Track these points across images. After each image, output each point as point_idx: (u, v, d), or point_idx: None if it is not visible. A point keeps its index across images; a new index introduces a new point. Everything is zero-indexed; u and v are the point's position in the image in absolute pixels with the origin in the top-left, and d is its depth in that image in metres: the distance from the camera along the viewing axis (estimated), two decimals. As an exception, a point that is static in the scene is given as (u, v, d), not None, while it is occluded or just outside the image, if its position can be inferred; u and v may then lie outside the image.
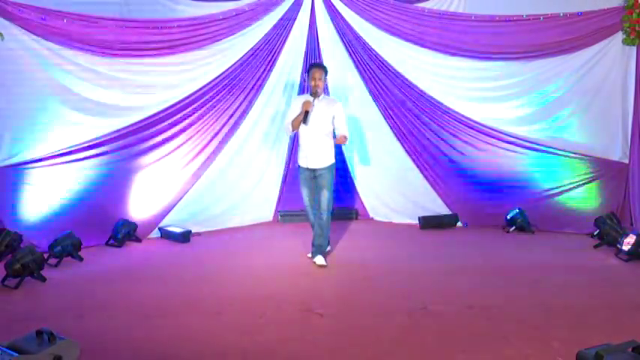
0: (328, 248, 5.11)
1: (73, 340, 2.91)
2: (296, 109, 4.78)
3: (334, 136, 4.83)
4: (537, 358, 3.01)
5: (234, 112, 6.02)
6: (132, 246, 5.52)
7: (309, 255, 4.98)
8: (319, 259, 4.81)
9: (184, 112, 5.76)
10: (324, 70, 4.78)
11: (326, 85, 4.79)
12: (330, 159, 4.79)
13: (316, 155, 4.73)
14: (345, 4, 5.94)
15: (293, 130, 4.79)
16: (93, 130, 5.33)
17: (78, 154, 5.30)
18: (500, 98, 6.03)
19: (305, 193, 4.88)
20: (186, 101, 5.73)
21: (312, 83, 4.68)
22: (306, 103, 4.67)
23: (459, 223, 6.32)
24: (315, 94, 4.70)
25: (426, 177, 6.34)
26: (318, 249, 4.87)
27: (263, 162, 6.37)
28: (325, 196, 4.75)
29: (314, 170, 4.76)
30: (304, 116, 4.65)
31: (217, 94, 5.87)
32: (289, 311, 3.75)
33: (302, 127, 4.73)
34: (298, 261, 4.96)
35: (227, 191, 6.19)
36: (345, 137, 4.74)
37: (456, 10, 6.07)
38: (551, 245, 5.48)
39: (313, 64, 4.97)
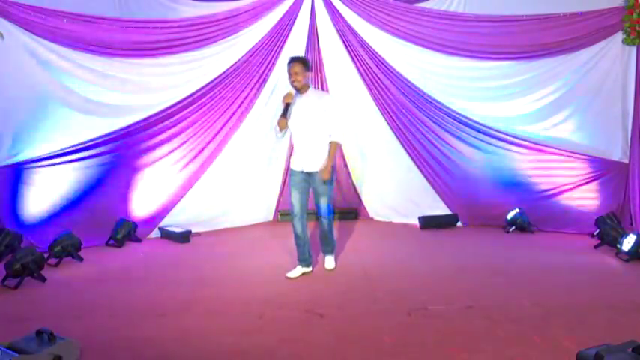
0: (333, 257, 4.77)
1: (73, 340, 2.91)
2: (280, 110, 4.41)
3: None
4: (537, 358, 3.01)
5: (235, 112, 6.02)
6: (132, 246, 5.52)
7: (288, 274, 4.47)
8: (329, 262, 4.66)
9: (184, 112, 5.77)
10: (303, 62, 4.32)
11: (308, 80, 4.42)
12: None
13: (311, 157, 4.32)
14: (345, 4, 5.94)
15: (281, 130, 4.32)
16: (93, 130, 5.34)
17: (78, 154, 5.31)
18: (500, 98, 6.02)
19: (296, 198, 4.39)
20: (187, 101, 5.74)
21: (290, 78, 4.28)
22: (286, 96, 4.28)
23: (459, 223, 6.32)
24: (298, 90, 4.30)
25: (426, 177, 6.35)
26: (325, 247, 4.70)
27: (263, 162, 6.38)
28: (323, 201, 4.39)
29: (309, 174, 4.36)
30: (284, 110, 4.27)
31: (217, 94, 5.88)
32: (289, 311, 3.75)
33: (293, 127, 4.33)
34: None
35: (227, 191, 6.19)
36: (336, 144, 4.31)
37: (455, 10, 6.06)
38: (551, 245, 5.48)
39: (290, 58, 4.45)
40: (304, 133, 4.33)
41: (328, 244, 4.66)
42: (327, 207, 4.42)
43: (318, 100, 4.35)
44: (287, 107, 4.28)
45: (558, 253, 5.17)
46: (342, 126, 4.52)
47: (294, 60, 4.35)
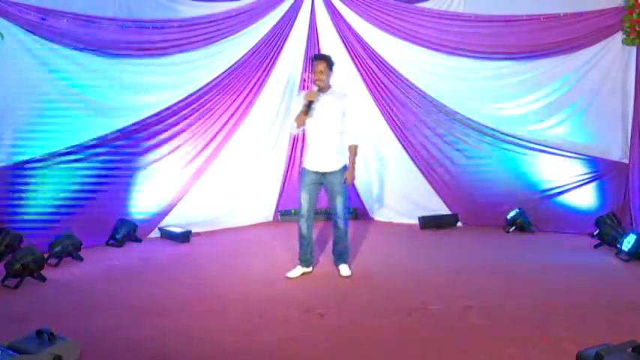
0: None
1: (73, 340, 2.91)
2: (299, 105, 4.28)
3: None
4: (537, 358, 3.01)
5: (235, 112, 6.02)
6: (132, 246, 5.52)
7: (288, 274, 4.47)
8: (344, 270, 4.50)
9: (184, 112, 5.77)
10: (328, 61, 4.28)
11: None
12: (342, 161, 4.35)
13: (328, 157, 4.29)
14: (345, 4, 5.94)
15: (298, 127, 4.29)
16: (93, 130, 5.33)
17: (78, 154, 5.29)
18: (501, 98, 6.02)
19: (305, 199, 4.35)
20: (187, 101, 5.74)
21: (314, 77, 4.26)
22: (310, 93, 4.22)
23: (459, 223, 6.32)
24: (320, 89, 4.26)
25: (426, 177, 6.35)
26: (339, 259, 4.57)
27: (263, 162, 6.37)
28: (340, 201, 4.34)
29: (324, 174, 4.32)
30: (307, 107, 4.18)
31: (217, 94, 5.87)
32: (289, 311, 3.75)
33: (311, 126, 4.28)
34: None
35: (227, 191, 6.19)
36: (357, 146, 4.37)
37: (456, 10, 6.06)
38: (551, 245, 5.48)
39: (315, 55, 4.48)
40: (323, 133, 4.29)
41: (343, 253, 4.54)
42: (343, 206, 4.39)
43: (338, 101, 4.33)
44: (310, 105, 4.19)
45: (558, 253, 5.18)
46: (360, 128, 4.55)
47: (320, 58, 4.32)
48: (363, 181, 6.60)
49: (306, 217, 4.40)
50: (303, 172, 4.43)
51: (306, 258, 4.54)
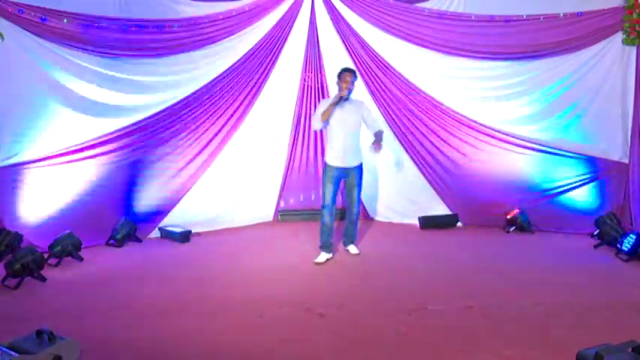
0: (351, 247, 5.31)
1: (73, 340, 2.91)
2: (325, 106, 4.86)
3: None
4: (537, 359, 3.01)
5: (235, 112, 6.02)
6: (132, 246, 5.52)
7: (316, 260, 4.95)
8: (353, 249, 5.23)
9: (184, 112, 5.76)
10: (355, 75, 4.96)
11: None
12: (361, 157, 5.08)
13: (351, 154, 4.94)
14: (346, 5, 5.94)
15: (323, 120, 4.82)
16: (93, 130, 5.32)
17: (78, 154, 5.29)
18: (500, 98, 6.02)
19: (330, 190, 4.96)
20: (187, 101, 5.73)
21: (344, 86, 4.83)
22: (341, 91, 4.83)
23: (459, 223, 6.32)
24: (346, 98, 4.86)
25: (426, 177, 6.35)
26: (349, 239, 5.26)
27: (263, 162, 6.37)
28: (356, 192, 5.07)
29: (346, 169, 4.95)
30: (339, 100, 4.78)
31: (217, 94, 5.87)
32: (289, 311, 3.76)
33: (337, 128, 4.86)
34: (298, 261, 4.96)
35: (227, 191, 6.18)
36: (382, 130, 5.08)
37: (455, 10, 6.05)
38: (551, 245, 5.48)
39: (346, 68, 5.04)
40: (347, 135, 4.90)
41: (353, 235, 5.26)
42: (358, 196, 5.09)
43: (357, 108, 4.98)
44: (341, 99, 4.80)
45: (558, 253, 5.18)
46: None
47: (349, 71, 4.95)
48: (363, 181, 6.58)
49: (329, 207, 5.00)
50: (327, 168, 5.01)
51: (328, 245, 5.04)
